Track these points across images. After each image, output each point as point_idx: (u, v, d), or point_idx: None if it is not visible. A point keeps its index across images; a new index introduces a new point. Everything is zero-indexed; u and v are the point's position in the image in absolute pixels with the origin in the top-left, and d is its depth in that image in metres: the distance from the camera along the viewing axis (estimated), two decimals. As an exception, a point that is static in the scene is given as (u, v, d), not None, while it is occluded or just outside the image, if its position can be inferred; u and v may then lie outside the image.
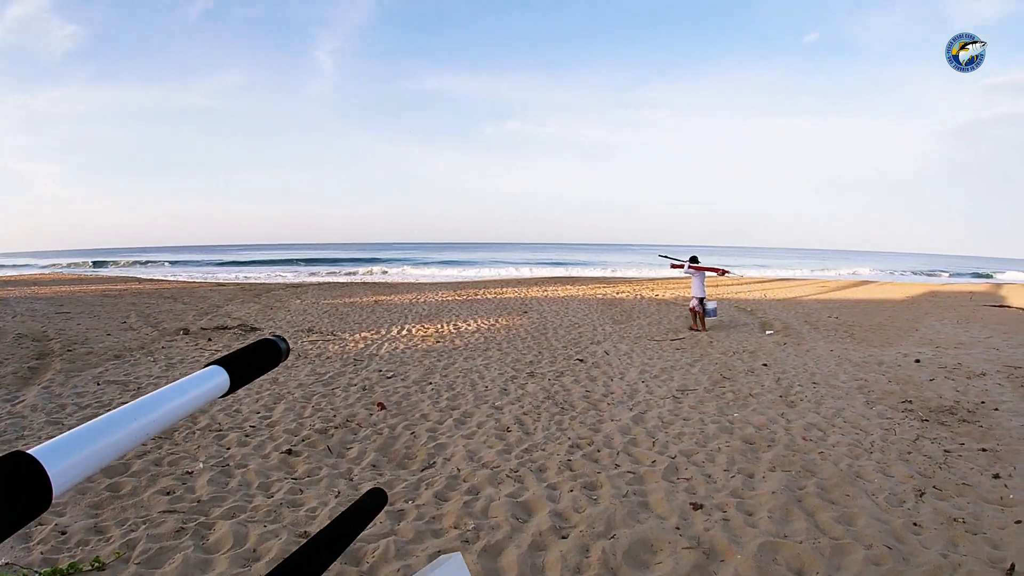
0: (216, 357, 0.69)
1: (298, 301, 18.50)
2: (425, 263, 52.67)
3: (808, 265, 58.88)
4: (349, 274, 38.25)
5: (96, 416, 0.50)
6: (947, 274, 50.81)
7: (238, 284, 26.66)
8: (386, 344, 10.93)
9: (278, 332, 12.89)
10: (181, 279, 31.50)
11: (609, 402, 6.94)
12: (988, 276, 49.95)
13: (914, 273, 50.76)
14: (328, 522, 0.73)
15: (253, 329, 13.02)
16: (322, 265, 47.36)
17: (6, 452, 0.41)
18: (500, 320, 14.32)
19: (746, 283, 30.12)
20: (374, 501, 0.72)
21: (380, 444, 5.48)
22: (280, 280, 30.60)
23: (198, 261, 53.24)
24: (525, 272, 39.64)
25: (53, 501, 0.43)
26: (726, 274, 12.98)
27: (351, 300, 18.76)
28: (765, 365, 9.32)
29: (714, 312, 13.23)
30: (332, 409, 6.60)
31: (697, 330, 13.01)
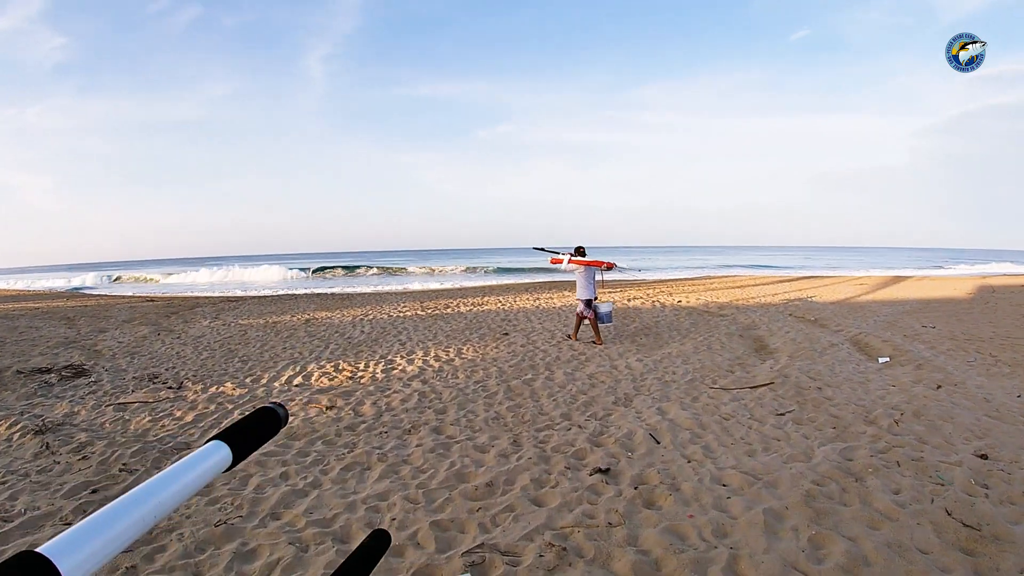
0: (217, 431, 0.67)
1: (205, 322, 13.17)
2: (401, 267, 46.31)
3: (812, 262, 53.55)
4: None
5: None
6: (956, 266, 45.41)
7: (167, 298, 21.22)
8: (226, 423, 5.66)
9: (120, 371, 8.10)
10: (117, 294, 26.16)
11: None
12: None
13: (917, 268, 45.46)
14: (334, 570, 0.69)
15: (79, 374, 7.96)
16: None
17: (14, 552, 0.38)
18: (465, 351, 8.98)
19: (777, 282, 24.76)
20: (378, 543, 0.70)
21: None
22: (216, 294, 25.09)
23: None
24: (514, 279, 33.76)
25: None
26: (611, 269, 9.79)
27: (277, 319, 13.42)
28: (984, 457, 4.30)
29: (609, 317, 9.63)
30: None
31: (578, 341, 9.73)
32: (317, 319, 13.28)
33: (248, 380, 7.35)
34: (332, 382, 7.07)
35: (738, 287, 21.91)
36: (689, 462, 4.24)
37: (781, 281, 25.67)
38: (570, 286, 22.55)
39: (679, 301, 15.83)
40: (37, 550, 0.41)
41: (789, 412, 5.65)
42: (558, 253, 9.69)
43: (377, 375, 7.38)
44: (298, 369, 7.85)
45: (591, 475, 4.00)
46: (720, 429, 5.02)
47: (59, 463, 4.64)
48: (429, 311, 14.41)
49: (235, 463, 0.62)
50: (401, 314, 13.91)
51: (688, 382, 6.75)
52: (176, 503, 0.53)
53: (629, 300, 16.30)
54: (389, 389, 6.59)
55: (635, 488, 3.77)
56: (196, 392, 6.84)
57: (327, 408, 5.83)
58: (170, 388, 7.20)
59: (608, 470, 4.07)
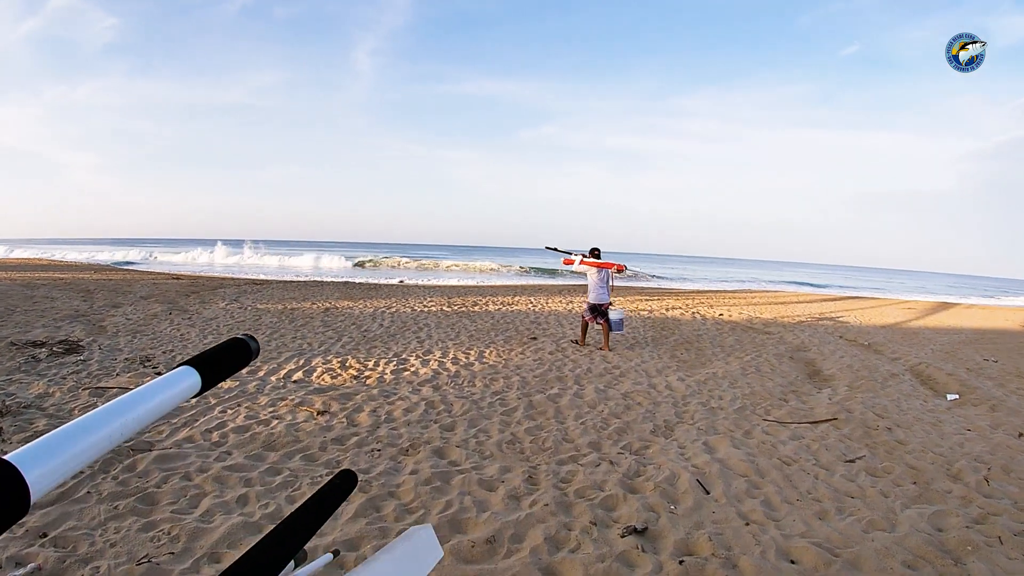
0: (188, 357, 0.66)
1: (222, 304, 12.58)
2: (435, 261, 45.17)
3: (852, 282, 51.36)
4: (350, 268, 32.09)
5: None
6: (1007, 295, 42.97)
7: (193, 277, 20.80)
8: (202, 421, 4.88)
9: (116, 350, 7.51)
10: (148, 271, 25.98)
11: None
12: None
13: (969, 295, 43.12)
14: (300, 504, 0.69)
15: (72, 351, 7.42)
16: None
17: None
18: (487, 354, 8.13)
19: (821, 300, 23.42)
20: (344, 482, 0.72)
21: None
22: (244, 276, 24.60)
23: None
24: (548, 280, 32.52)
25: (31, 506, 0.41)
26: (622, 272, 9.15)
27: (296, 306, 12.76)
28: None
29: (620, 325, 8.99)
30: None
31: (586, 346, 9.07)
32: (337, 308, 12.58)
33: (244, 371, 6.62)
34: (334, 380, 6.29)
35: (780, 303, 20.69)
36: (747, 524, 3.32)
37: (825, 300, 24.30)
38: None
39: (720, 314, 14.76)
40: (5, 458, 0.40)
41: (859, 458, 4.70)
42: (571, 254, 9.09)
43: (385, 376, 6.57)
44: (302, 362, 7.09)
45: (623, 536, 3.09)
46: (781, 477, 4.08)
47: (5, 452, 3.93)
48: (455, 308, 13.61)
49: (203, 390, 0.60)
50: (426, 309, 13.13)
51: (737, 410, 5.80)
52: (143, 424, 0.52)
53: (668, 310, 15.29)
54: (394, 395, 5.76)
55: (679, 562, 2.85)
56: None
57: (318, 413, 5.03)
58: (158, 374, 6.50)
59: (645, 530, 3.16)
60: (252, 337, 0.68)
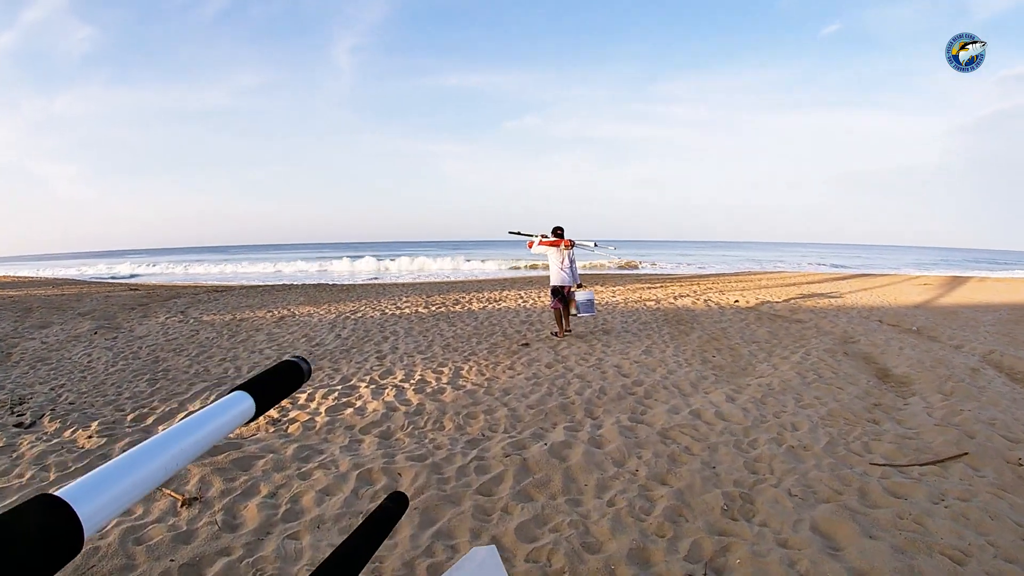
0: (241, 382, 0.58)
1: (162, 318, 10.58)
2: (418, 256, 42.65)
3: (849, 260, 49.66)
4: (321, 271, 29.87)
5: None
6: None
7: (151, 287, 18.64)
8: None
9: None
10: (115, 282, 23.93)
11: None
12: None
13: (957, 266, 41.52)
14: (352, 530, 0.63)
15: None
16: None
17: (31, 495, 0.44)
18: (465, 372, 6.16)
19: (833, 279, 21.54)
20: (396, 505, 0.67)
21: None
22: (206, 284, 22.56)
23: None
24: (539, 273, 30.45)
25: (85, 542, 0.37)
26: (573, 247, 8.29)
27: (247, 315, 10.75)
28: None
29: (590, 307, 8.19)
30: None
31: (558, 335, 8.28)
32: (295, 316, 10.58)
33: (129, 418, 4.69)
34: (242, 430, 4.33)
35: (791, 284, 18.81)
36: None
37: (835, 279, 22.45)
38: (602, 280, 19.60)
39: (736, 301, 12.83)
40: (56, 493, 0.37)
41: None
42: (533, 236, 8.41)
43: (317, 418, 4.59)
44: (212, 399, 5.15)
45: None
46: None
47: None
48: (433, 308, 11.59)
49: (258, 414, 0.55)
50: (398, 311, 11.12)
51: (827, 449, 3.88)
52: (198, 452, 0.49)
53: (676, 298, 13.33)
54: (317, 457, 3.76)
55: None
56: (42, 438, 4.23)
57: (184, 503, 3.09)
58: (18, 425, 4.61)
59: None
60: (303, 359, 0.61)
